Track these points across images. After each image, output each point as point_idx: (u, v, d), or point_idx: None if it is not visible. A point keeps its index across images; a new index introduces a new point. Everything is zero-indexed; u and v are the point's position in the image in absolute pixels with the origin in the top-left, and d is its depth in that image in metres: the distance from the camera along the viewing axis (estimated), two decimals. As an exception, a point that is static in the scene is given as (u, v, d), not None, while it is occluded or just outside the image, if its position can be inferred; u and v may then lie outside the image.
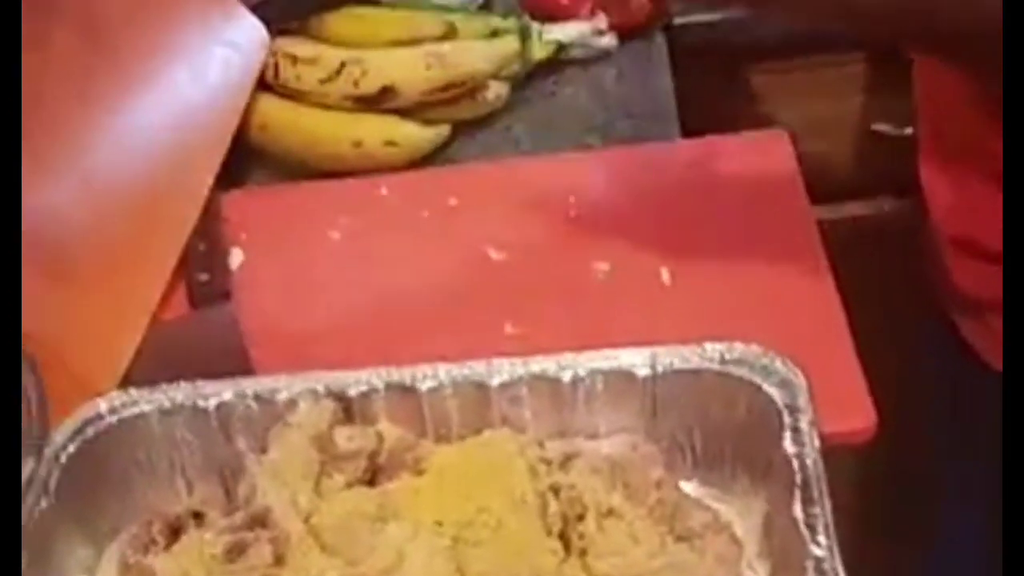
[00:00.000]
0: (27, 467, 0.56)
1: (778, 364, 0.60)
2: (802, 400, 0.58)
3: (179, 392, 0.65)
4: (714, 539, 0.57)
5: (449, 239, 0.82)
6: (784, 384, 0.59)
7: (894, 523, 0.60)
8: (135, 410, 0.64)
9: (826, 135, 1.07)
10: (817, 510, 0.53)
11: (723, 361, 0.61)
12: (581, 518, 0.58)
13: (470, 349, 0.65)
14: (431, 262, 0.81)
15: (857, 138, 1.10)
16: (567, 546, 0.58)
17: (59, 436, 0.62)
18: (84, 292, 0.79)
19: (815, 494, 0.54)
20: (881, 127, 1.08)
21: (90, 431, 0.63)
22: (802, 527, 0.52)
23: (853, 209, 1.09)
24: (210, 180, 0.84)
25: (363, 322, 0.78)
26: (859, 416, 0.64)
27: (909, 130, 0.90)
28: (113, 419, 0.64)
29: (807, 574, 0.51)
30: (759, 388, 0.60)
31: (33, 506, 0.59)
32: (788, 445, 0.56)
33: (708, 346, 0.62)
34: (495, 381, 0.63)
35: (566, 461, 0.61)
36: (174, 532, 0.61)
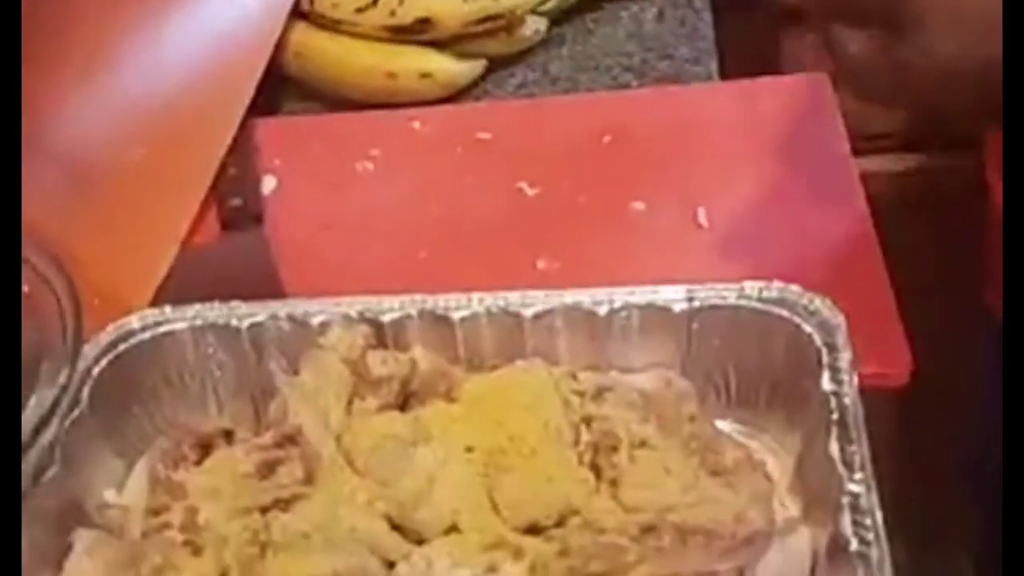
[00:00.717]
0: (61, 376, 0.56)
1: (817, 303, 0.60)
2: (841, 339, 0.58)
3: (212, 311, 0.65)
4: (747, 476, 0.57)
5: (482, 174, 0.82)
6: (823, 323, 0.59)
7: (933, 464, 0.60)
8: (168, 327, 0.64)
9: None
10: (855, 448, 0.53)
11: (761, 299, 0.61)
12: (613, 449, 0.58)
13: (501, 283, 0.65)
14: (463, 196, 0.81)
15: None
16: (598, 477, 0.57)
17: (91, 350, 0.62)
18: (115, 212, 0.79)
19: (853, 432, 0.53)
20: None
21: (122, 347, 0.63)
22: (839, 465, 0.52)
23: (890, 163, 1.08)
24: (244, 106, 0.83)
25: (395, 254, 0.77)
26: (895, 360, 0.64)
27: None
28: (146, 335, 0.64)
29: (843, 511, 0.50)
30: (797, 327, 0.59)
31: (65, 416, 0.59)
32: (826, 384, 0.56)
33: (747, 284, 0.61)
34: (529, 312, 0.63)
35: (599, 393, 0.61)
36: (204, 449, 0.61)
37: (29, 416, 0.56)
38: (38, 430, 0.55)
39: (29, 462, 0.56)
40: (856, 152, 0.78)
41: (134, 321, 0.64)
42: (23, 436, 0.54)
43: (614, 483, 0.57)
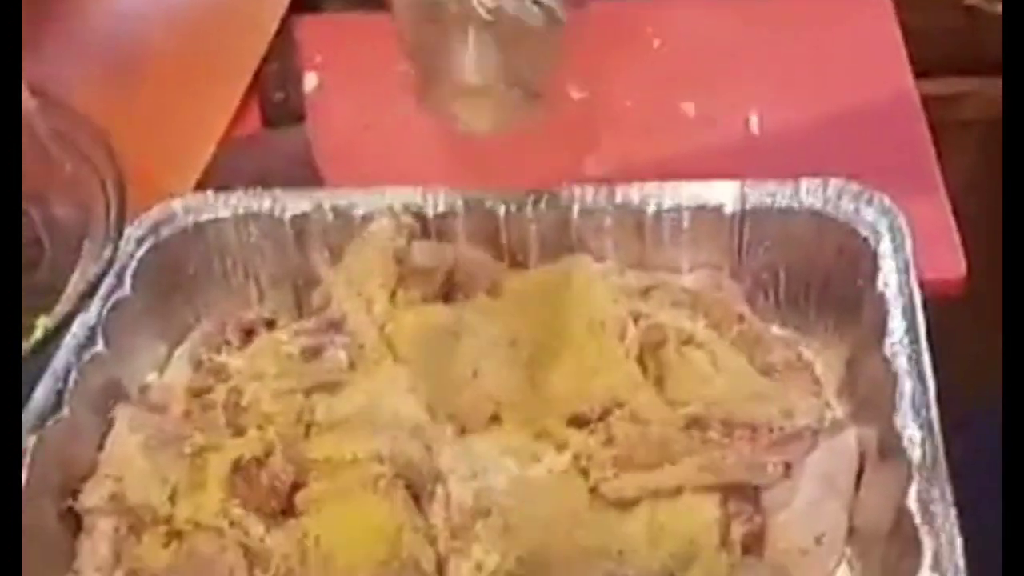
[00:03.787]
0: (105, 252, 0.55)
1: (875, 204, 0.58)
2: (899, 239, 0.56)
3: (255, 200, 0.64)
4: (795, 375, 0.56)
5: (528, 76, 0.80)
6: (881, 224, 0.57)
7: (986, 373, 0.59)
8: (210, 214, 0.63)
9: (920, 7, 1.03)
10: (912, 346, 0.51)
11: (816, 199, 0.59)
12: (659, 346, 0.57)
13: (548, 185, 0.64)
14: (508, 98, 0.79)
15: (950, 12, 1.05)
16: (644, 373, 0.57)
17: (134, 233, 0.62)
18: (156, 104, 0.77)
19: (910, 331, 0.52)
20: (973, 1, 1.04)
21: (165, 231, 0.63)
22: (894, 362, 0.51)
23: (941, 86, 1.05)
24: (286, 1, 0.82)
25: (437, 156, 0.76)
26: (949, 265, 0.62)
27: (999, 7, 0.87)
28: (188, 220, 0.63)
29: (897, 409, 0.49)
30: (853, 227, 0.58)
31: (107, 297, 0.58)
32: (882, 284, 0.55)
33: (802, 183, 0.60)
34: (577, 209, 0.62)
35: (646, 291, 0.60)
36: (247, 335, 0.61)
37: (71, 292, 0.55)
38: (80, 306, 0.54)
39: (72, 339, 0.56)
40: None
41: (176, 206, 0.64)
42: (67, 310, 0.53)
43: (660, 380, 0.56)
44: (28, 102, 0.58)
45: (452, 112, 0.60)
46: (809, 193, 0.59)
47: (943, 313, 0.58)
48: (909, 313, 0.53)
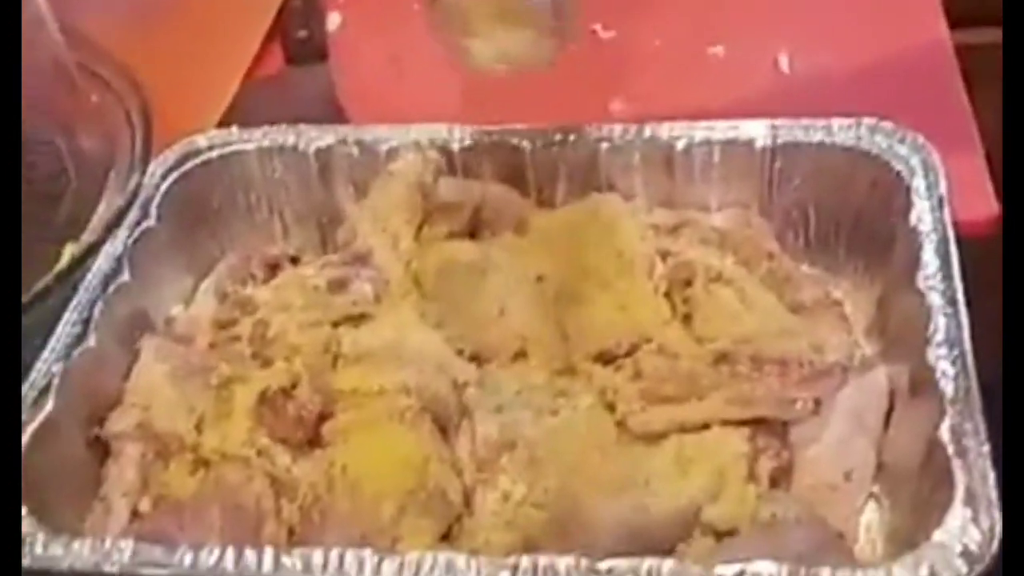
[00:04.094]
0: (131, 182, 0.55)
1: (909, 141, 0.57)
2: (933, 176, 0.56)
3: (279, 134, 0.64)
4: (824, 313, 0.55)
5: (554, 15, 0.79)
6: (914, 160, 0.56)
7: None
8: (235, 147, 0.63)
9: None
10: (945, 282, 0.51)
11: (849, 136, 0.58)
12: (688, 284, 0.56)
13: (571, 123, 0.63)
14: (534, 37, 0.78)
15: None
16: (671, 310, 0.56)
17: (159, 167, 0.62)
18: (179, 41, 0.77)
19: (944, 267, 0.51)
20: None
21: (189, 164, 0.62)
22: (927, 298, 0.50)
23: (973, 36, 1.03)
24: (308, -62, 0.81)
25: (463, 94, 0.75)
26: (981, 205, 0.61)
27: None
28: (213, 154, 0.63)
29: (930, 344, 0.49)
30: (886, 164, 0.57)
31: (133, 228, 0.58)
32: (915, 219, 0.54)
33: (834, 121, 0.59)
34: (605, 145, 0.61)
35: (675, 229, 0.59)
36: (272, 269, 0.61)
37: (97, 222, 0.55)
38: (105, 235, 0.54)
39: (98, 270, 0.56)
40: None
41: (201, 140, 0.63)
42: (93, 239, 0.53)
43: (687, 317, 0.56)
44: (55, 35, 0.57)
45: (463, 46, 0.59)
46: (842, 130, 0.59)
47: (974, 254, 0.58)
48: (943, 249, 0.52)
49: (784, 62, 0.72)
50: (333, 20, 0.81)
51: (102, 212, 0.55)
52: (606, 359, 0.55)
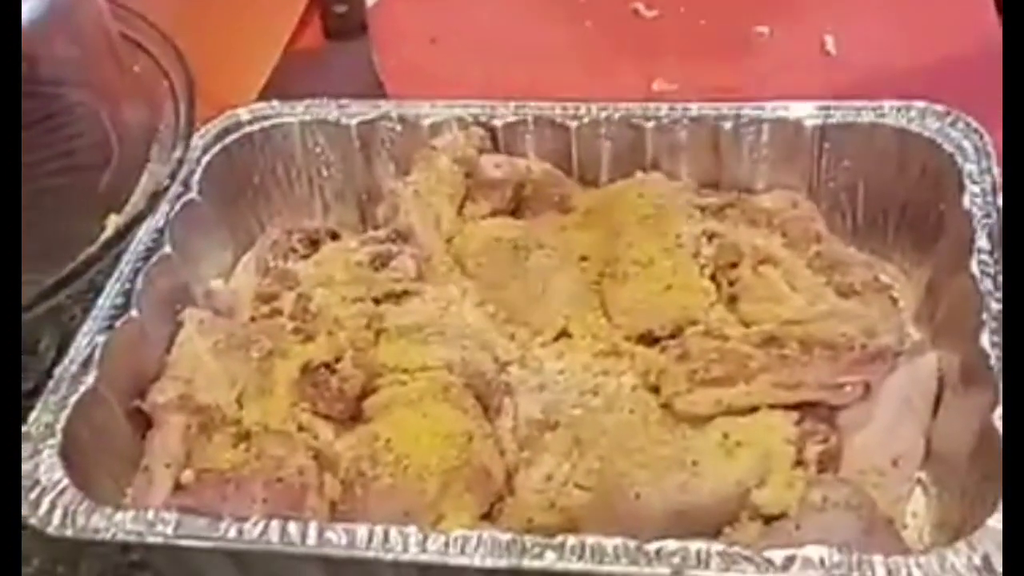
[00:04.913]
0: (176, 152, 0.55)
1: (960, 124, 0.56)
2: (985, 160, 0.55)
3: (321, 108, 0.63)
4: (873, 297, 0.54)
5: (595, -6, 0.78)
6: (966, 144, 0.55)
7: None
8: (276, 121, 0.63)
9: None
10: (998, 268, 0.50)
11: (901, 118, 0.57)
12: (734, 265, 0.56)
13: (613, 101, 0.63)
14: (576, 15, 0.77)
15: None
16: (717, 291, 0.56)
17: (200, 140, 0.61)
18: (220, 15, 0.77)
19: (997, 252, 0.50)
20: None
21: (230, 138, 0.62)
22: (980, 283, 0.50)
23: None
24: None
25: (504, 71, 0.75)
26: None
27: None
28: (254, 128, 0.62)
29: (983, 329, 0.48)
30: (938, 147, 0.56)
31: (175, 201, 0.58)
32: (967, 203, 0.53)
33: (886, 103, 0.58)
34: (651, 124, 0.60)
35: (721, 209, 0.59)
36: (313, 244, 0.60)
37: (140, 193, 0.55)
38: (149, 207, 0.54)
39: (139, 242, 0.56)
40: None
41: (242, 113, 0.63)
42: (137, 210, 0.53)
43: (734, 298, 0.55)
44: (100, 4, 0.57)
45: None
46: (892, 112, 0.58)
47: None
48: (996, 232, 0.51)
49: (831, 43, 0.71)
50: (372, -5, 0.80)
51: (145, 183, 0.54)
52: (649, 340, 0.54)
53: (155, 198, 0.54)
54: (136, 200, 0.54)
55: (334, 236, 0.62)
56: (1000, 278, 0.50)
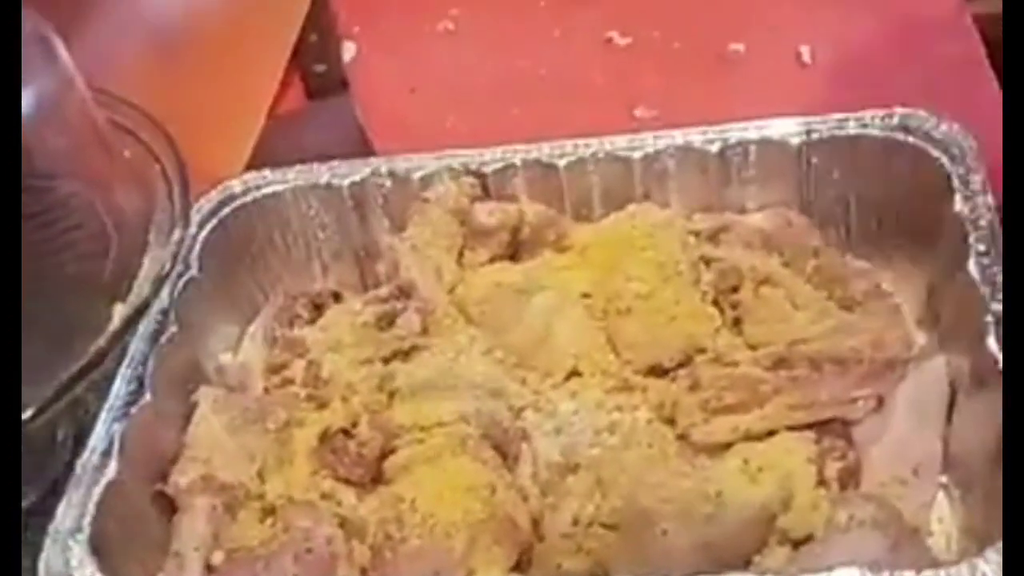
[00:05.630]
0: (174, 235, 0.55)
1: (944, 127, 0.57)
2: (972, 161, 0.55)
3: (312, 173, 0.64)
4: (877, 306, 0.55)
5: (568, 26, 0.78)
6: (951, 146, 0.56)
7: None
8: (269, 189, 0.63)
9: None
10: (996, 268, 0.50)
11: (884, 127, 0.58)
12: (735, 289, 0.56)
13: (598, 134, 0.63)
14: (551, 50, 0.78)
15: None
16: (720, 317, 0.56)
17: (196, 215, 0.62)
18: (202, 85, 0.77)
19: (993, 252, 0.51)
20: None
21: (226, 210, 0.63)
22: (980, 286, 0.50)
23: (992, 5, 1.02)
24: (318, -30, 0.81)
25: (485, 114, 0.75)
26: None
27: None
28: (248, 198, 0.63)
29: (988, 332, 0.48)
30: (924, 152, 0.57)
31: (176, 280, 0.58)
32: (959, 205, 0.54)
33: (867, 113, 0.59)
34: (638, 155, 0.61)
35: (715, 234, 0.59)
36: (317, 308, 0.61)
37: (143, 279, 0.55)
38: (155, 292, 0.54)
39: (146, 325, 0.56)
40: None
41: (236, 185, 0.63)
42: (142, 296, 0.53)
43: (738, 322, 0.55)
44: (84, 93, 0.57)
45: None
46: (875, 121, 0.58)
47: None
48: (990, 234, 0.52)
49: (806, 53, 0.72)
50: (348, 50, 0.81)
51: (147, 269, 0.55)
52: (659, 371, 0.55)
53: (159, 283, 0.54)
54: (140, 286, 0.54)
55: (336, 297, 0.63)
56: (999, 279, 0.50)
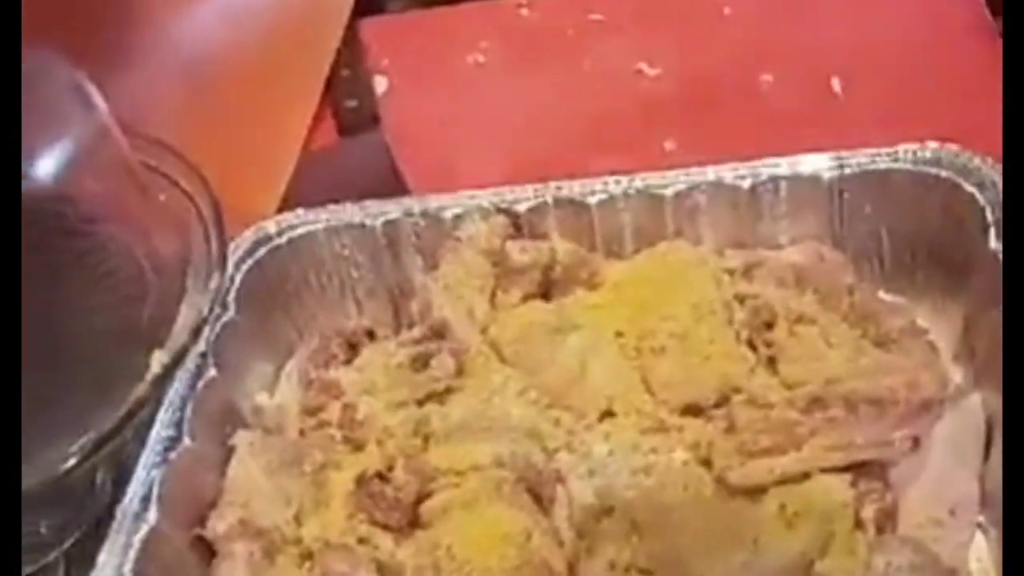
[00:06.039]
0: (212, 281, 0.56)
1: (977, 161, 0.57)
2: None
3: (345, 212, 0.64)
4: (912, 344, 0.55)
5: (598, 57, 0.79)
6: (985, 181, 0.56)
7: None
8: (303, 230, 0.64)
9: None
10: (1033, 305, 0.50)
11: (917, 161, 0.58)
12: (769, 326, 0.56)
13: (629, 168, 0.63)
14: (580, 81, 0.78)
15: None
16: (754, 355, 0.56)
17: (231, 257, 0.62)
18: (234, 123, 0.78)
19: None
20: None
21: (261, 251, 0.63)
22: (1017, 323, 0.50)
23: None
24: (350, 5, 0.82)
25: (516, 146, 0.76)
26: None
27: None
28: (283, 239, 0.64)
29: (1025, 370, 0.48)
30: (957, 187, 0.56)
31: (214, 320, 0.59)
32: (994, 242, 0.53)
33: (900, 147, 0.58)
34: (670, 191, 0.61)
35: (748, 270, 0.59)
36: (352, 348, 0.61)
37: (181, 324, 0.56)
38: (193, 338, 0.55)
39: (184, 368, 0.57)
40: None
41: (270, 226, 0.64)
42: (180, 343, 0.54)
43: (772, 360, 0.55)
44: (120, 139, 0.58)
45: None
46: (908, 155, 0.58)
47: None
48: (1027, 271, 0.51)
49: (837, 84, 0.72)
50: (380, 84, 0.82)
51: (185, 314, 0.55)
52: (695, 411, 0.55)
53: (198, 330, 0.55)
54: (178, 332, 0.55)
55: (371, 335, 0.63)
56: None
